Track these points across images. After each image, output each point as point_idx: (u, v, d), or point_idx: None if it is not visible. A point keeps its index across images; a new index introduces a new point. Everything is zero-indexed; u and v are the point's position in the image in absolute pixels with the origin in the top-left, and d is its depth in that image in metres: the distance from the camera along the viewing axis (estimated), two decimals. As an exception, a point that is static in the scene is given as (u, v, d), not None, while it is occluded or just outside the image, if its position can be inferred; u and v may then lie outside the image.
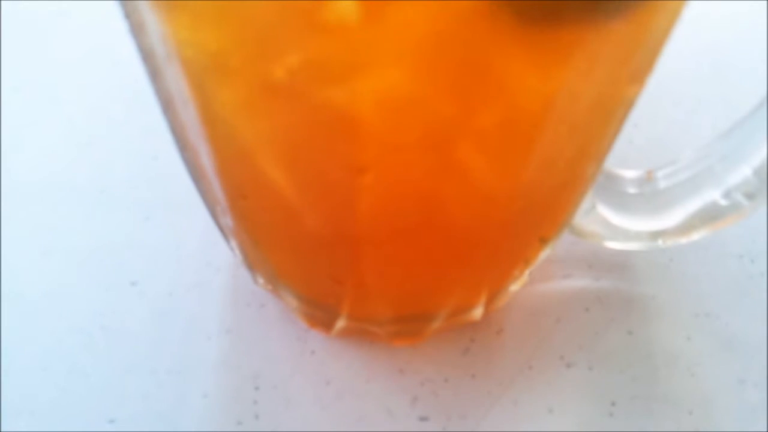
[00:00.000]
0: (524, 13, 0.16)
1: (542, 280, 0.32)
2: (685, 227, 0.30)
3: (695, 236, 0.30)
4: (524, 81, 0.18)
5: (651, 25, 0.19)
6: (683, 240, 0.30)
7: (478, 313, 0.30)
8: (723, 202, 0.29)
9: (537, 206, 0.24)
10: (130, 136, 0.35)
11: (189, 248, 0.32)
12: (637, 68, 0.20)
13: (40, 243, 0.32)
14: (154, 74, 0.22)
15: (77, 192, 0.34)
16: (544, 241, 0.28)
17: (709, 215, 0.29)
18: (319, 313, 0.29)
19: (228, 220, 0.26)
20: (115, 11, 0.22)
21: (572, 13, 0.16)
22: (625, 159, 0.35)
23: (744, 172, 0.28)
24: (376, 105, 0.18)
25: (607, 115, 0.21)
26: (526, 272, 0.30)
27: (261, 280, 0.30)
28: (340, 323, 0.29)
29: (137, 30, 0.21)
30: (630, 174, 0.31)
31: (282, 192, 0.22)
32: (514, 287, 0.30)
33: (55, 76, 0.38)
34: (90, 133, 0.36)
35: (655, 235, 0.30)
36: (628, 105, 0.22)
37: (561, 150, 0.21)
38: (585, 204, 0.29)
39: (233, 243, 0.29)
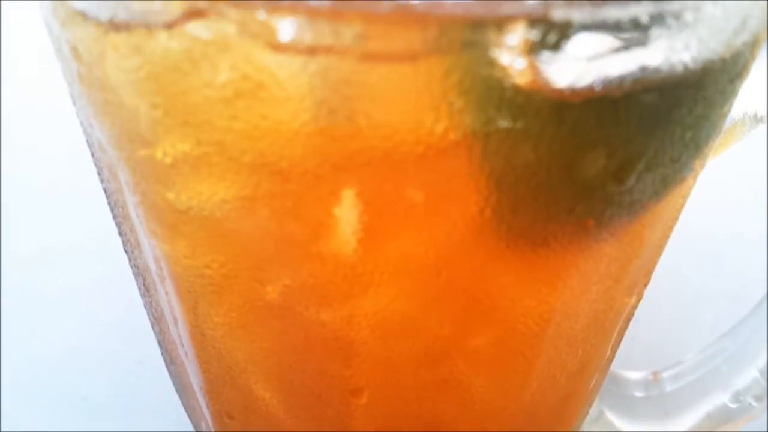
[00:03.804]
0: (514, 240, 0.17)
1: (550, 493, 0.31)
2: (697, 432, 0.29)
3: (707, 442, 0.29)
4: (518, 302, 0.18)
5: (642, 243, 0.20)
6: (696, 446, 0.29)
7: None
8: (732, 405, 0.29)
9: (540, 420, 0.24)
10: (118, 339, 0.36)
11: (170, 461, 0.32)
12: (632, 282, 0.21)
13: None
14: (146, 289, 0.23)
15: (60, 400, 0.33)
16: (549, 452, 0.28)
17: (720, 419, 0.29)
18: None
19: (214, 436, 0.26)
20: (111, 227, 0.23)
21: (560, 240, 0.17)
22: (629, 357, 0.35)
23: (751, 373, 0.29)
24: (371, 327, 0.18)
25: (606, 327, 0.22)
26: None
27: (247, 498, 0.29)
28: None
29: (132, 248, 0.22)
30: (635, 376, 0.31)
31: (272, 412, 0.22)
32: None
33: (46, 277, 0.39)
34: (78, 337, 0.36)
35: (667, 441, 0.30)
36: (627, 315, 0.23)
37: (561, 365, 0.21)
38: (592, 411, 0.29)
39: (218, 458, 0.28)
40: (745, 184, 0.43)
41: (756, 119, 0.22)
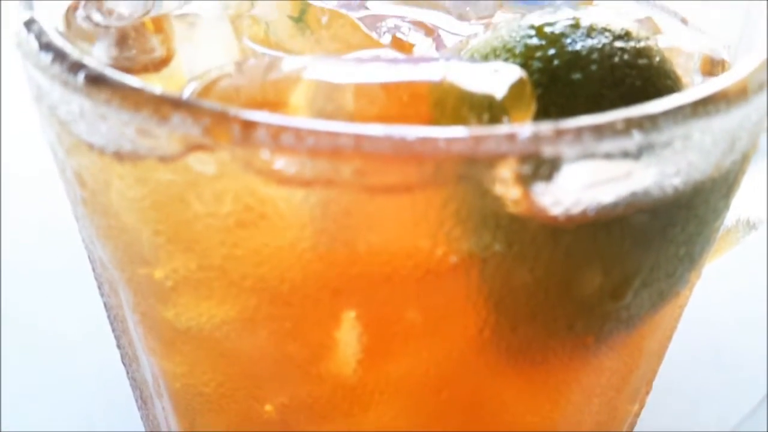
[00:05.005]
0: (515, 358, 0.17)
1: None
2: None
3: None
4: (520, 418, 0.18)
5: (642, 353, 0.20)
6: None
7: None
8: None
9: None
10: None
11: None
12: (634, 391, 0.21)
13: None
14: (143, 402, 0.23)
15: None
16: None
17: None
18: None
19: None
20: (110, 337, 0.23)
21: (560, 356, 0.17)
22: (635, 457, 0.34)
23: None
24: (371, 445, 0.18)
25: (610, 435, 0.22)
26: None
27: None
28: None
29: (130, 361, 0.22)
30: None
31: None
32: None
33: (44, 372, 0.39)
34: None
35: None
36: (630, 422, 0.23)
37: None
38: None
39: None
40: (744, 276, 0.44)
41: (749, 225, 0.23)
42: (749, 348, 0.40)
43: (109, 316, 0.22)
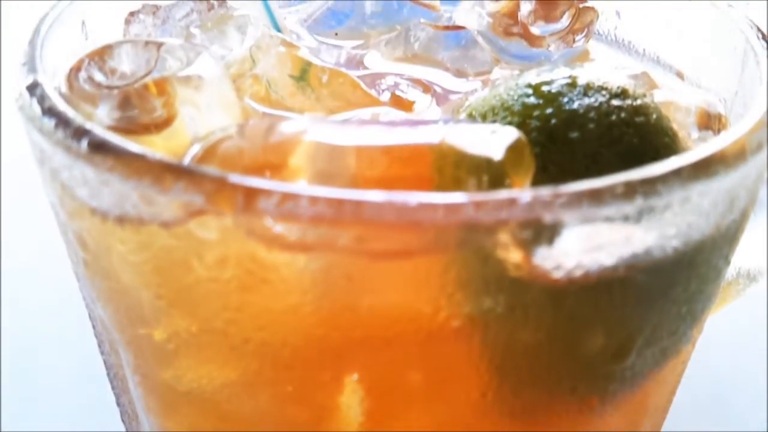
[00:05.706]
0: (518, 421, 0.17)
1: None
2: None
3: None
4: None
5: (646, 411, 0.20)
6: None
7: None
8: None
9: None
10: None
11: None
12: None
13: None
14: (143, 461, 0.22)
15: None
16: None
17: None
18: None
19: None
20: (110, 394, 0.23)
21: (564, 418, 0.17)
22: None
23: None
24: None
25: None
26: None
27: None
28: None
29: (130, 419, 0.21)
30: None
31: None
32: None
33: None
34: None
35: None
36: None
37: None
38: None
39: None
40: (745, 325, 0.44)
41: (750, 278, 0.23)
42: (750, 395, 0.40)
43: (109, 375, 0.22)
